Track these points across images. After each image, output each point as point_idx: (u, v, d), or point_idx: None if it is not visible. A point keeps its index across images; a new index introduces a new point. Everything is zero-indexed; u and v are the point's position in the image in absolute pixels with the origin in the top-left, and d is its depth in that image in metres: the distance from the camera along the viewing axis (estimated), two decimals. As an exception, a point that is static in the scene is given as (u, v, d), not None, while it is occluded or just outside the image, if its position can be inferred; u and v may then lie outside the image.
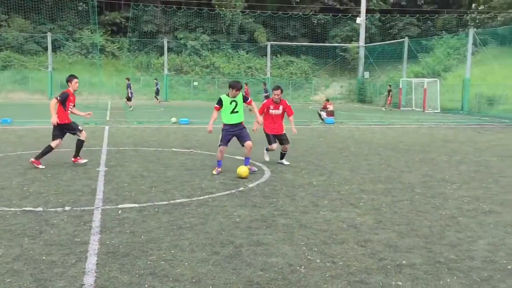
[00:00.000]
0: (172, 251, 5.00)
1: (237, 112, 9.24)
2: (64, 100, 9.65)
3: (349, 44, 47.31)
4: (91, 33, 44.33)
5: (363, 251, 5.13)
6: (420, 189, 8.33)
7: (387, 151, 13.04)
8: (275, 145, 10.54)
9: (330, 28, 50.15)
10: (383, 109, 34.36)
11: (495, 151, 13.35)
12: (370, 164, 10.86)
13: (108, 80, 41.93)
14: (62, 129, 9.80)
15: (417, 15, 48.03)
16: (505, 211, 6.92)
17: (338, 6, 49.50)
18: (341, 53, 48.48)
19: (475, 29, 34.23)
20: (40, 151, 9.87)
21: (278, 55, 49.02)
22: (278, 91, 10.33)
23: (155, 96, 35.93)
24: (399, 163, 11.15)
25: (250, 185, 8.33)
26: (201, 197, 7.37)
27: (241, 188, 8.06)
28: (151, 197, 7.31)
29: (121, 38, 47.01)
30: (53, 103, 9.58)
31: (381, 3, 49.52)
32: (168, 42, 44.34)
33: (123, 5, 47.43)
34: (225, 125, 9.30)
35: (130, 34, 46.68)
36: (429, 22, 48.40)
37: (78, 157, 10.11)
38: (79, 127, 10.01)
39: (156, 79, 37.53)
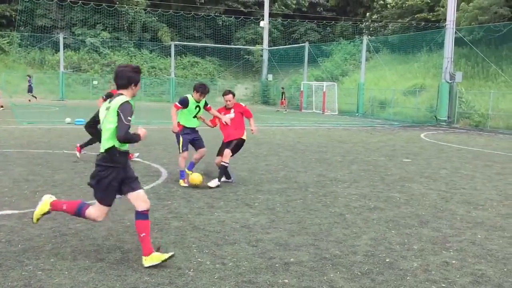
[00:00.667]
0: (52, 260, 4.67)
1: (196, 117, 8.64)
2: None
3: (253, 47, 48.10)
4: (-23, 25, 40.69)
5: (254, 251, 5.17)
6: (314, 188, 8.63)
7: (285, 152, 13.38)
8: (218, 159, 8.84)
9: (235, 30, 50.62)
10: (284, 111, 35.34)
11: (383, 151, 14.25)
12: (268, 165, 11.06)
13: (-4, 77, 38.75)
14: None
15: (315, 21, 50.08)
16: (388, 207, 7.38)
17: (242, 9, 50.12)
18: (246, 56, 49.13)
19: (368, 37, 36.44)
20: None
21: (183, 56, 48.48)
22: (229, 96, 8.65)
23: (32, 95, 33.76)
24: (296, 163, 11.48)
25: (145, 187, 8.06)
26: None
27: (135, 191, 7.78)
28: (34, 203, 6.76)
29: (11, 33, 43.65)
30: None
31: (283, 7, 50.98)
32: (64, 38, 41.97)
33: (14, -3, 44.12)
34: (185, 128, 8.48)
35: (22, 28, 43.49)
36: (328, 28, 50.68)
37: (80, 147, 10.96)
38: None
39: (29, 75, 35.28)
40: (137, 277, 4.35)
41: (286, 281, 4.41)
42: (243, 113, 8.89)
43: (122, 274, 4.40)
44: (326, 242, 5.56)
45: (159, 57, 47.85)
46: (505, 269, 4.88)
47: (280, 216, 6.63)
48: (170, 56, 44.45)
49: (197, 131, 8.72)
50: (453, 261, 5.08)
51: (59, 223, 5.89)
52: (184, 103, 8.32)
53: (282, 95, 36.85)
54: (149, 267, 4.56)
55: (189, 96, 8.46)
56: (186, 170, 8.64)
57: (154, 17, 47.76)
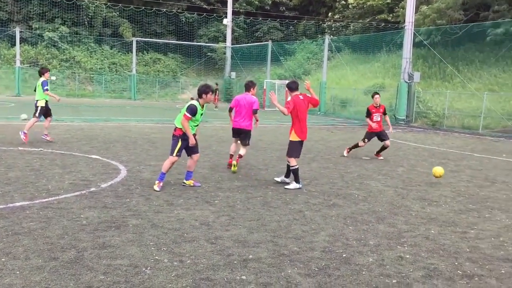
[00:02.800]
0: (3, 260, 4.51)
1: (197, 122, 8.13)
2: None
3: (216, 44, 47.89)
4: None
5: (212, 248, 5.16)
6: (274, 185, 8.68)
7: (247, 149, 13.36)
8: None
9: (198, 27, 50.26)
10: (214, 108, 33.76)
11: (343, 149, 14.45)
12: (229, 162, 11.03)
13: None
14: None
15: (278, 19, 50.30)
16: (347, 204, 7.51)
17: (205, 6, 49.78)
18: (209, 53, 48.88)
19: (331, 36, 36.88)
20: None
21: (145, 52, 47.77)
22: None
23: None
24: (257, 161, 11.52)
25: (103, 185, 7.93)
26: (46, 199, 6.81)
27: (93, 189, 7.63)
28: (-15, 201, 6.56)
29: (-36, 25, 41.90)
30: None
31: (245, 5, 50.92)
32: (21, 32, 40.58)
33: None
34: (184, 134, 7.89)
35: (-24, 21, 41.82)
36: (291, 27, 51.04)
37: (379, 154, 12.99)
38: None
39: None
40: (92, 276, 4.27)
41: (244, 277, 4.43)
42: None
43: (77, 273, 4.30)
44: (284, 239, 5.61)
45: (120, 53, 46.98)
46: (456, 263, 5.06)
47: (240, 213, 6.64)
48: (132, 52, 43.73)
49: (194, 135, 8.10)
50: (407, 256, 5.22)
51: (12, 221, 5.70)
52: (193, 112, 7.82)
53: (215, 91, 36.25)
54: (106, 265, 4.49)
55: (196, 103, 7.88)
56: (185, 181, 8.31)
57: (115, 12, 46.82)
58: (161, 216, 6.29)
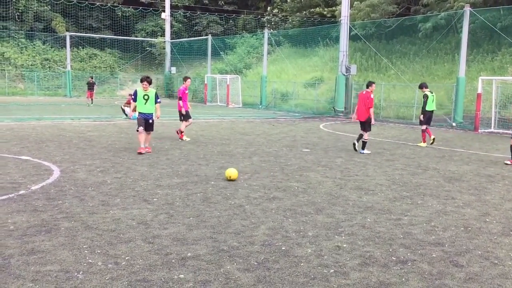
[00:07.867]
0: None
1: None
2: None
3: (155, 39, 46.91)
4: None
5: (150, 248, 5.02)
6: (215, 180, 8.60)
7: (188, 145, 13.22)
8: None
9: (136, 21, 49.00)
10: (89, 104, 30.35)
11: (284, 142, 14.61)
12: (169, 159, 10.85)
13: None
14: None
15: (216, 13, 49.97)
16: (286, 196, 7.56)
17: (142, 0, 48.58)
18: (148, 48, 47.81)
19: (270, 31, 37.09)
20: None
21: (80, 47, 46.01)
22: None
23: None
24: (198, 156, 11.39)
25: (34, 188, 7.54)
26: None
27: (22, 192, 7.24)
28: None
29: None
30: None
31: (184, -1, 50.21)
32: None
33: None
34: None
35: None
36: (231, 21, 50.88)
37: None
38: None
39: None
40: (19, 284, 4.03)
41: (182, 276, 4.34)
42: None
43: (2, 282, 4.05)
44: (224, 234, 5.56)
45: (54, 48, 44.98)
46: (390, 250, 5.21)
47: (179, 211, 6.52)
48: (65, 47, 41.98)
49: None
50: (344, 245, 5.31)
51: None
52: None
53: (92, 86, 31.42)
54: (34, 272, 4.25)
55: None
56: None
57: (47, 6, 44.71)
58: (95, 217, 6.06)
